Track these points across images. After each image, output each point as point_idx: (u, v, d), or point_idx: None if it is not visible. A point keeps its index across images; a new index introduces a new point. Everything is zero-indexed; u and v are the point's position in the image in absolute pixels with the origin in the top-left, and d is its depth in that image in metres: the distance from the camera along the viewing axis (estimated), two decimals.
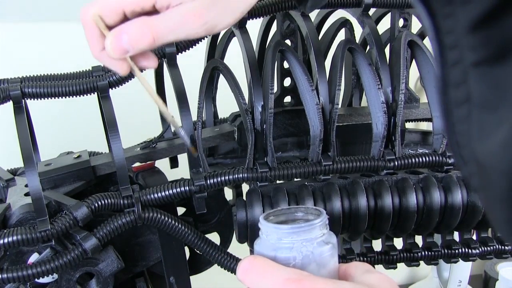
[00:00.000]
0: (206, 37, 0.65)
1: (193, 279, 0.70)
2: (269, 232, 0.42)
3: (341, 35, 0.81)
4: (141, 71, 0.55)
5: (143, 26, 0.48)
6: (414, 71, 0.75)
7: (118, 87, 0.63)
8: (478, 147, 0.32)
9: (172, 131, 0.75)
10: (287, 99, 0.79)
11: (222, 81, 0.70)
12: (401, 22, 0.80)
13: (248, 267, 0.41)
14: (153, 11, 0.49)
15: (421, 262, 0.73)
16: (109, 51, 0.49)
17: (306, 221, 0.42)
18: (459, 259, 0.73)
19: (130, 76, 0.63)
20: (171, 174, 0.71)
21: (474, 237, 0.74)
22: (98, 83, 0.62)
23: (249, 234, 0.62)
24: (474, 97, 0.32)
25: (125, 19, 0.50)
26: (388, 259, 0.71)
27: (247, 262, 0.41)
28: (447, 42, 0.33)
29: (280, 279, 0.39)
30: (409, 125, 0.86)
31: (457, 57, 0.33)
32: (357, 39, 0.80)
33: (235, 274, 0.52)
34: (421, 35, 0.78)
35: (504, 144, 0.30)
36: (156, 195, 0.60)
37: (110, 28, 0.49)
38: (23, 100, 0.60)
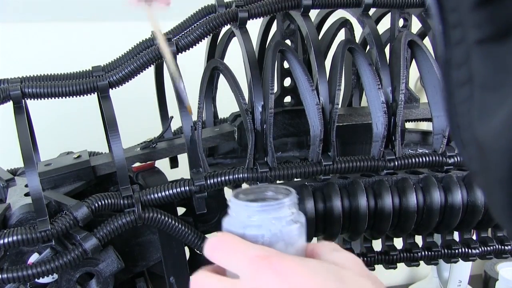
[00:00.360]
0: (207, 37, 0.65)
1: None
2: (238, 210, 0.42)
3: (341, 35, 0.81)
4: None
5: None
6: (414, 71, 0.75)
7: (118, 87, 0.63)
8: (479, 128, 0.32)
9: (172, 131, 0.75)
10: (287, 99, 0.79)
11: (222, 81, 0.70)
12: (401, 22, 0.80)
13: (216, 244, 0.41)
14: None
15: (421, 262, 0.73)
16: None
17: (276, 200, 0.42)
18: (459, 259, 0.73)
19: (130, 76, 0.63)
20: (171, 174, 0.71)
21: (474, 237, 0.74)
22: (98, 83, 0.62)
23: None
24: (476, 77, 0.33)
25: None
26: (388, 259, 0.71)
27: (215, 239, 0.41)
28: (451, 20, 0.33)
29: (248, 256, 0.39)
30: (409, 125, 0.87)
31: (460, 36, 0.33)
32: (357, 39, 0.80)
33: None
34: (421, 35, 0.78)
35: (505, 124, 0.30)
36: (156, 195, 0.60)
37: None
38: (23, 100, 0.60)
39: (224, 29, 0.73)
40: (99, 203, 0.58)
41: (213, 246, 0.41)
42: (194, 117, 0.63)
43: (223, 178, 0.61)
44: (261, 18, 0.69)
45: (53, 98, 0.62)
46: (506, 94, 0.30)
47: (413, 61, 0.69)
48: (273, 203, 0.41)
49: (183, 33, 0.66)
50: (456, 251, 0.71)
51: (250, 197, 0.44)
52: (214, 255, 0.41)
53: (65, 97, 0.62)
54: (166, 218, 0.61)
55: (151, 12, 0.53)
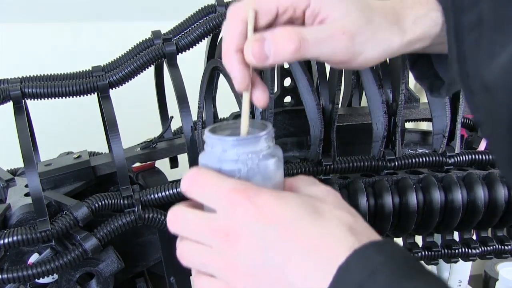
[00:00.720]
0: (207, 37, 0.65)
1: None
2: (214, 144, 0.41)
3: None
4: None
5: (292, 30, 0.43)
6: None
7: (118, 87, 0.63)
8: (487, 70, 0.32)
9: (172, 131, 0.75)
10: (287, 99, 0.79)
11: (222, 81, 0.70)
12: None
13: (192, 179, 0.40)
14: (301, 23, 0.46)
15: (421, 262, 0.73)
16: (248, 54, 0.43)
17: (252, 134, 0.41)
18: (459, 259, 0.73)
19: (130, 76, 0.63)
20: (171, 174, 0.71)
21: (474, 237, 0.74)
22: (98, 83, 0.62)
23: None
24: (486, 19, 0.33)
25: (273, 25, 0.45)
26: None
27: (191, 174, 0.41)
28: None
29: (225, 189, 0.39)
30: (409, 125, 0.87)
31: None
32: None
33: None
34: None
35: (510, 63, 0.30)
36: (156, 195, 0.60)
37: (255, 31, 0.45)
38: (23, 100, 0.60)
39: None
40: (99, 203, 0.58)
41: (189, 181, 0.41)
42: (194, 117, 0.63)
43: None
44: None
45: (53, 98, 0.62)
46: (510, 33, 0.31)
47: None
48: (249, 137, 0.40)
49: (183, 33, 0.66)
50: (456, 251, 0.71)
51: (226, 132, 0.42)
52: (190, 190, 0.41)
53: (65, 97, 0.62)
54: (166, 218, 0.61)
55: (247, 101, 0.45)
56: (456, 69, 0.36)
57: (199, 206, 0.42)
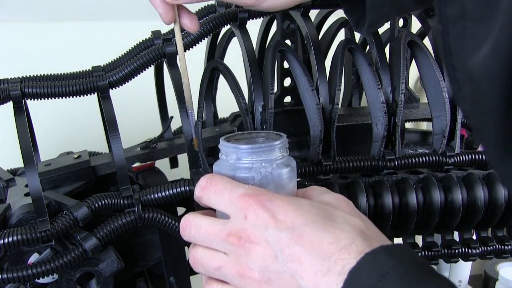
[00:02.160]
0: (207, 37, 0.65)
1: (193, 279, 0.70)
2: (228, 152, 0.41)
3: (341, 35, 0.81)
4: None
5: None
6: (414, 71, 0.75)
7: (118, 87, 0.63)
8: (471, 61, 0.33)
9: (172, 131, 0.75)
10: (287, 99, 0.79)
11: (222, 81, 0.70)
12: (401, 22, 0.80)
13: (205, 184, 0.41)
14: None
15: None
16: None
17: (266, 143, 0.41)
18: (459, 259, 0.73)
19: (130, 76, 0.63)
20: (171, 174, 0.71)
21: (474, 237, 0.74)
22: (98, 83, 0.62)
23: None
24: (468, 11, 0.34)
25: None
26: None
27: (205, 179, 0.41)
28: None
29: (237, 195, 0.39)
30: (409, 125, 0.87)
31: None
32: (357, 39, 0.80)
33: None
34: (421, 35, 0.78)
35: (493, 51, 0.31)
36: (156, 195, 0.60)
37: None
38: (23, 100, 0.60)
39: (224, 29, 0.73)
40: (99, 203, 0.58)
41: (203, 186, 0.41)
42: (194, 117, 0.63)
43: None
44: (261, 18, 0.69)
45: (53, 98, 0.62)
46: (490, 26, 0.31)
47: (413, 61, 0.69)
48: (264, 145, 0.41)
49: (183, 33, 0.66)
50: (456, 251, 0.71)
51: (241, 142, 0.43)
52: (203, 196, 0.41)
53: (65, 97, 0.62)
54: (166, 218, 0.61)
55: (179, 32, 0.57)
56: (444, 62, 0.37)
57: (211, 215, 0.42)
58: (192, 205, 0.63)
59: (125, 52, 0.66)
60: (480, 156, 0.67)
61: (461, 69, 0.35)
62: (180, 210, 0.71)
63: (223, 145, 0.41)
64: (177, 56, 0.58)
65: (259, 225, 0.38)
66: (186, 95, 0.58)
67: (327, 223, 0.38)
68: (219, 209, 0.41)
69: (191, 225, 0.42)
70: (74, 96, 0.62)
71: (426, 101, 0.68)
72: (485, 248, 0.72)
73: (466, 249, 0.71)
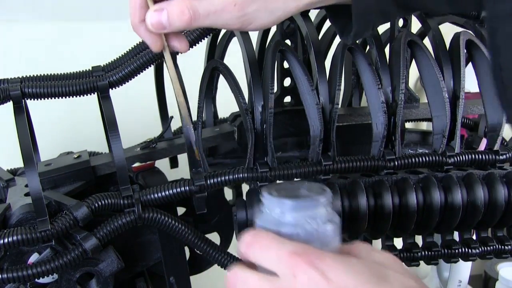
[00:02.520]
0: (207, 37, 0.65)
1: (193, 279, 0.70)
2: (272, 207, 0.40)
3: None
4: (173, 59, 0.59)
5: (183, 4, 0.50)
6: (414, 71, 0.75)
7: (118, 87, 0.63)
8: None
9: (172, 131, 0.75)
10: (287, 99, 0.79)
11: (222, 81, 0.70)
12: (401, 22, 0.80)
13: (251, 241, 0.40)
14: None
15: (421, 262, 0.73)
16: (148, 24, 0.51)
17: (310, 198, 0.40)
18: (459, 259, 0.73)
19: (130, 76, 0.63)
20: (171, 174, 0.71)
21: (474, 237, 0.74)
22: (98, 83, 0.62)
23: None
24: None
25: None
26: None
27: (250, 236, 0.40)
28: None
29: (285, 252, 0.38)
30: (409, 125, 0.87)
31: None
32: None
33: None
34: (421, 35, 0.78)
35: None
36: (156, 195, 0.60)
37: (155, 2, 0.52)
38: (23, 100, 0.60)
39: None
40: (99, 203, 0.58)
41: (248, 243, 0.40)
42: (194, 117, 0.63)
43: (223, 178, 0.61)
44: None
45: (53, 98, 0.62)
46: None
47: (413, 61, 0.69)
48: (309, 201, 0.39)
49: (183, 33, 0.66)
50: (456, 251, 0.71)
51: (282, 193, 0.42)
52: (250, 253, 0.40)
53: (65, 97, 0.62)
54: (166, 218, 0.61)
55: (169, 56, 0.57)
56: (490, 61, 0.36)
57: (253, 267, 0.41)
58: (192, 205, 0.63)
59: (125, 52, 0.66)
60: (480, 156, 0.67)
61: (508, 69, 0.34)
62: (180, 210, 0.71)
63: (266, 198, 0.40)
64: (171, 79, 0.59)
65: (310, 286, 0.37)
66: (183, 112, 0.59)
67: (379, 283, 0.37)
68: (265, 266, 0.39)
69: (238, 280, 0.41)
70: (74, 96, 0.62)
71: (426, 101, 0.68)
72: (485, 248, 0.72)
73: (466, 249, 0.71)
